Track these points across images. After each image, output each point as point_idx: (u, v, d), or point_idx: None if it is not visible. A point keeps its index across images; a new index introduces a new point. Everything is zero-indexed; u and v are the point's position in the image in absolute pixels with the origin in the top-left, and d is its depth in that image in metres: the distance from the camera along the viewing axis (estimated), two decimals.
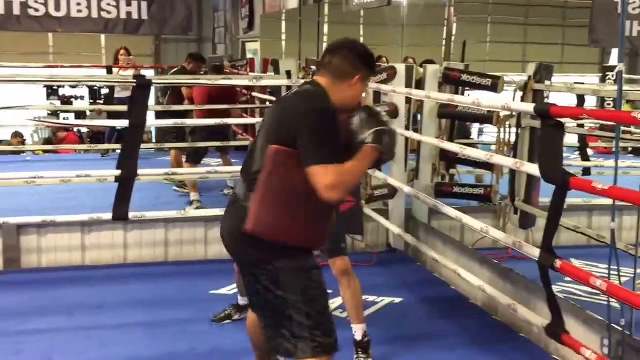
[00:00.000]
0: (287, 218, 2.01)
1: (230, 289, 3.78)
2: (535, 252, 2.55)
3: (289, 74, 5.38)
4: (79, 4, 6.60)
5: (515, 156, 4.10)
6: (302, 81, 2.24)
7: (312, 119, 1.97)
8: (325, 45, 6.98)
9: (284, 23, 8.19)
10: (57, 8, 6.51)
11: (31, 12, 6.35)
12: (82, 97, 10.17)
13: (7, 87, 6.00)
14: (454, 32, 5.02)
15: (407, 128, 4.69)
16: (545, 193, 3.99)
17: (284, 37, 8.27)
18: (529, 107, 2.65)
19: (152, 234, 4.37)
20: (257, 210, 1.98)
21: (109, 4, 6.76)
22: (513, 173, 4.24)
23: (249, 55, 9.01)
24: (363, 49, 2.18)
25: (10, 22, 6.30)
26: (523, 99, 4.18)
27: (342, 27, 7.21)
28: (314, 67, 5.80)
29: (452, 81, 4.43)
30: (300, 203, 2.00)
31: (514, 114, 4.06)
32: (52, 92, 9.02)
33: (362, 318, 2.94)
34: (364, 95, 4.46)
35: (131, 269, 4.27)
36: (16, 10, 6.33)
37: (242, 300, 3.34)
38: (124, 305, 3.63)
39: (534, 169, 2.63)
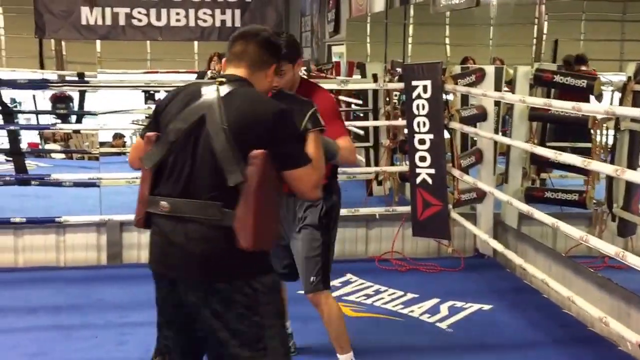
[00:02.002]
0: (275, 223, 1.96)
1: None
2: None
3: (375, 77, 5.41)
4: (177, 14, 6.96)
5: (612, 160, 3.93)
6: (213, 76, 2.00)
7: (284, 122, 1.87)
8: (410, 47, 6.96)
9: (368, 26, 8.22)
10: (158, 18, 6.90)
11: (135, 22, 6.77)
12: None
13: (110, 92, 6.42)
14: (545, 31, 4.87)
15: (495, 131, 4.60)
16: None
17: (368, 39, 8.30)
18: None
19: None
20: (256, 225, 1.80)
21: (205, 13, 7.08)
22: (610, 178, 4.06)
23: (334, 59, 9.11)
24: (274, 37, 2.05)
25: (116, 31, 6.75)
26: (621, 101, 3.99)
27: (428, 28, 7.14)
28: (399, 69, 5.79)
29: (543, 83, 4.30)
30: (276, 204, 1.95)
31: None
32: (149, 96, 9.52)
33: (344, 347, 2.76)
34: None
35: None
36: (122, 21, 6.78)
37: None
38: None
39: (637, 177, 2.50)
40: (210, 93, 1.88)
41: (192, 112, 1.88)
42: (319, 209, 2.66)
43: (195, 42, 10.33)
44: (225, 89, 1.89)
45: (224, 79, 1.92)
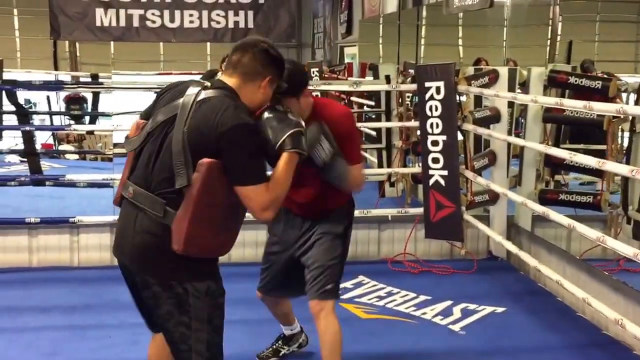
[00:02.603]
0: (220, 234, 1.92)
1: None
2: None
3: (387, 79, 5.40)
4: (191, 15, 6.99)
5: (628, 162, 3.89)
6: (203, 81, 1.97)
7: (239, 136, 1.83)
8: (423, 48, 6.93)
9: (381, 27, 8.20)
10: (172, 19, 6.94)
11: (149, 23, 6.81)
12: None
13: (123, 93, 6.45)
14: (559, 32, 4.83)
15: (509, 132, 4.58)
16: None
17: (381, 40, 8.28)
18: None
19: (254, 235, 4.51)
20: (190, 230, 1.83)
21: (218, 15, 7.10)
22: (626, 180, 4.02)
23: (347, 60, 9.10)
24: (274, 49, 1.99)
25: (130, 33, 6.79)
26: (637, 103, 3.95)
27: (441, 29, 7.12)
28: (411, 71, 5.77)
29: (558, 84, 4.27)
30: (229, 216, 1.93)
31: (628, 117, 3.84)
32: None
33: None
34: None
35: (233, 268, 4.42)
36: (135, 23, 6.82)
37: (286, 330, 3.08)
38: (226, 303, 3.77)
39: None
40: (190, 95, 1.92)
41: (171, 109, 1.94)
42: (343, 218, 2.63)
43: (208, 44, 10.41)
44: (203, 94, 1.91)
45: (209, 84, 1.95)
